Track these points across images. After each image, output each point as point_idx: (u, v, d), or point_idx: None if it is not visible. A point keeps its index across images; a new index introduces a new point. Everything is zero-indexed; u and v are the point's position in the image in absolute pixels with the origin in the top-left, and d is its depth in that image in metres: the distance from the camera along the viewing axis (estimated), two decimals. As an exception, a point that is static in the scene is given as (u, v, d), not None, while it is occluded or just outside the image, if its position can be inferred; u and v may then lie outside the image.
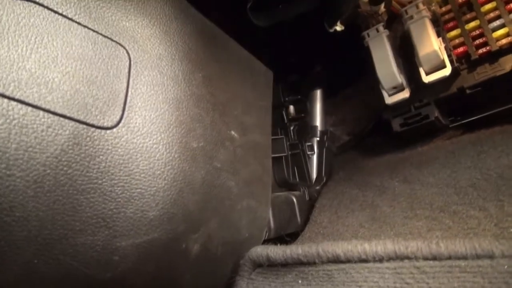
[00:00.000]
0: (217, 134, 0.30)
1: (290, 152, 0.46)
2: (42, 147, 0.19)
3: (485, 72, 0.40)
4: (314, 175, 0.47)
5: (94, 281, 0.22)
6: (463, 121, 0.43)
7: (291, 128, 0.49)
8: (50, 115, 0.20)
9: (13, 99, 0.19)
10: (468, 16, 0.42)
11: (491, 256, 0.20)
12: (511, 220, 0.23)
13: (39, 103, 0.20)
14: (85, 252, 0.21)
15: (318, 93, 0.54)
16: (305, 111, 0.52)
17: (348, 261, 0.23)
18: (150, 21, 0.28)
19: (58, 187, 0.20)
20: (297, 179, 0.44)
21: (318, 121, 0.53)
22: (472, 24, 0.41)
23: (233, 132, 0.33)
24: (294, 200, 0.40)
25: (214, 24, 0.34)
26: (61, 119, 0.21)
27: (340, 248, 0.23)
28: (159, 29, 0.28)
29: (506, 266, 0.20)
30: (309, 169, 0.47)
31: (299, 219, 0.40)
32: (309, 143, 0.50)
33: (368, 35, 0.46)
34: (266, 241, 0.35)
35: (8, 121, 0.18)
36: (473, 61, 0.40)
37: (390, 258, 0.22)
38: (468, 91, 0.41)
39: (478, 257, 0.21)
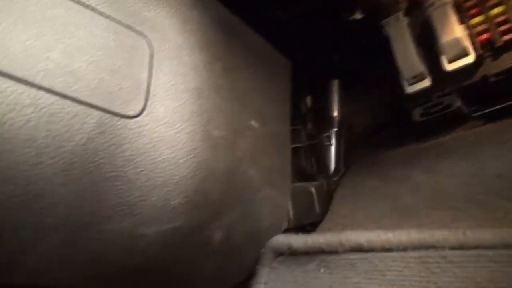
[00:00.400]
0: (237, 124, 0.31)
1: (308, 143, 0.46)
2: (69, 135, 0.20)
3: (510, 59, 0.39)
4: (332, 166, 0.47)
5: (121, 267, 0.22)
6: (486, 111, 0.42)
7: (309, 118, 0.49)
8: (77, 103, 0.20)
9: (42, 88, 0.19)
10: (492, 1, 0.40)
11: (519, 246, 0.20)
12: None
13: (66, 92, 0.20)
14: (112, 239, 0.21)
15: (336, 83, 0.54)
16: (322, 102, 0.51)
17: (371, 250, 0.23)
18: (170, 11, 0.28)
19: (85, 174, 0.20)
20: (315, 170, 0.43)
21: (335, 112, 0.53)
22: (497, 10, 0.40)
23: (253, 122, 0.33)
24: (313, 190, 0.40)
25: (233, 14, 0.34)
26: (87, 107, 0.21)
27: (363, 237, 0.23)
28: (179, 18, 0.28)
29: (536, 256, 0.19)
30: (327, 159, 0.47)
31: (317, 209, 0.39)
32: (327, 134, 0.50)
33: (388, 24, 0.45)
34: (285, 231, 0.35)
35: (37, 109, 0.19)
36: (498, 48, 0.39)
37: (415, 248, 0.22)
38: (492, 79, 0.40)
39: (507, 246, 0.20)
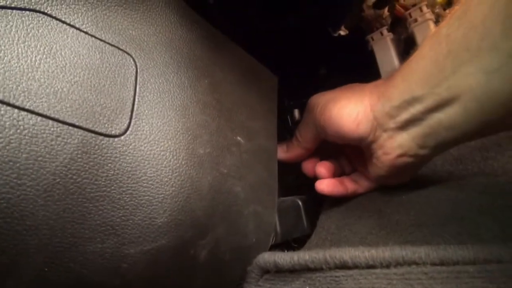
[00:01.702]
0: (223, 140, 0.31)
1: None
2: (51, 156, 0.20)
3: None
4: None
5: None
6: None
7: (296, 132, 0.49)
8: (60, 124, 0.20)
9: (23, 109, 0.19)
10: (473, 18, 0.41)
11: (499, 261, 0.20)
12: (519, 225, 0.23)
13: (49, 112, 0.20)
14: (95, 259, 0.21)
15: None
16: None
17: (355, 267, 0.23)
18: (156, 29, 0.28)
19: (67, 195, 0.20)
20: (303, 183, 0.44)
21: (323, 125, 0.53)
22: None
23: (239, 138, 0.33)
24: (301, 204, 0.40)
25: (218, 31, 0.35)
26: (70, 128, 0.21)
27: (347, 254, 0.23)
28: (164, 36, 0.29)
29: (515, 271, 0.20)
30: (314, 173, 0.47)
31: (305, 223, 0.40)
32: (314, 147, 0.50)
33: (372, 39, 0.46)
34: (273, 246, 0.35)
35: (18, 131, 0.19)
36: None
37: (397, 264, 0.22)
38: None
39: (486, 261, 0.21)
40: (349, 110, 0.33)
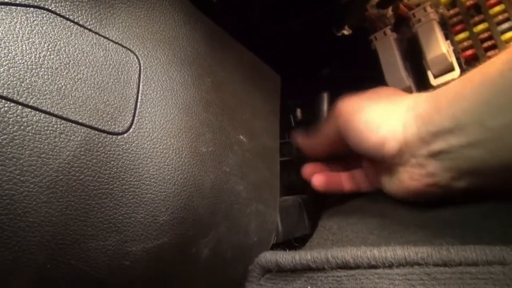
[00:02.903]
0: (226, 139, 0.31)
1: (297, 156, 0.46)
2: (55, 153, 0.20)
3: (494, 75, 0.39)
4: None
5: (105, 286, 0.22)
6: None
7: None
8: (63, 121, 0.20)
9: (27, 105, 0.19)
10: (476, 18, 0.41)
11: (502, 263, 0.20)
12: (522, 226, 0.23)
13: (52, 109, 0.20)
14: (97, 257, 0.21)
15: (326, 96, 0.54)
16: (312, 114, 0.52)
17: (357, 267, 0.23)
18: (159, 27, 0.28)
19: (70, 192, 0.20)
20: (305, 183, 0.44)
21: (325, 124, 0.53)
22: (481, 27, 0.41)
23: (241, 137, 0.33)
24: (302, 203, 0.40)
25: (222, 29, 0.35)
26: (73, 125, 0.21)
27: (349, 254, 0.23)
28: (168, 34, 0.29)
29: (518, 273, 0.19)
30: (316, 172, 0.47)
31: (307, 223, 0.40)
32: (317, 147, 0.50)
33: (376, 38, 0.46)
34: (275, 245, 0.35)
35: (22, 127, 0.19)
36: (482, 64, 0.40)
37: (400, 264, 0.22)
38: (477, 95, 0.40)
39: (489, 263, 0.20)
40: (377, 124, 0.29)
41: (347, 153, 0.39)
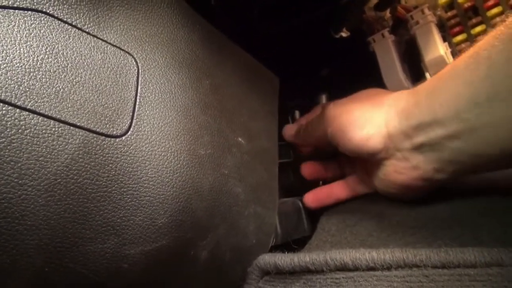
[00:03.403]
0: (224, 141, 0.31)
1: (296, 157, 0.46)
2: (53, 156, 0.20)
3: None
4: (321, 181, 0.47)
5: (103, 289, 0.22)
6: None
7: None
8: (61, 124, 0.20)
9: (25, 109, 0.19)
10: (474, 21, 0.42)
11: (500, 264, 0.20)
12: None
13: (50, 112, 0.20)
14: (95, 260, 0.21)
15: (324, 97, 0.54)
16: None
17: (356, 269, 0.23)
18: (157, 30, 0.28)
19: (68, 195, 0.20)
20: (303, 185, 0.44)
21: (323, 126, 0.53)
22: (478, 29, 0.41)
23: (240, 139, 0.33)
24: (301, 205, 0.40)
25: (220, 32, 0.35)
26: (71, 128, 0.21)
27: (348, 256, 0.23)
28: (166, 37, 0.29)
29: (516, 275, 0.20)
30: (315, 174, 0.47)
31: (306, 224, 0.40)
32: (315, 148, 0.50)
33: (374, 40, 0.46)
34: (273, 248, 0.35)
35: (20, 131, 0.19)
36: (480, 66, 0.40)
37: (398, 266, 0.22)
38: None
39: (487, 265, 0.20)
40: (361, 122, 0.31)
41: (331, 150, 0.40)
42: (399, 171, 0.30)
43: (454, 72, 0.26)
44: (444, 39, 0.43)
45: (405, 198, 0.32)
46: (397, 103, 0.30)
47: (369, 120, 0.31)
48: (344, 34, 0.43)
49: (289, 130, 0.43)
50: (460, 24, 0.43)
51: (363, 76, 0.49)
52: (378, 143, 0.30)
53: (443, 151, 0.26)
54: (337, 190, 0.39)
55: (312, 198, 0.39)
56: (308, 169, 0.42)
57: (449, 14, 0.43)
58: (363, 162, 0.36)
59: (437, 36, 0.42)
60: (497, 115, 0.23)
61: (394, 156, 0.30)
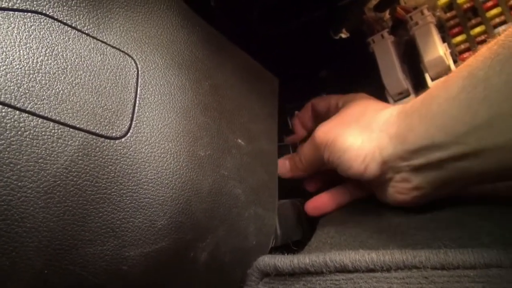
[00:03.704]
0: (224, 142, 0.31)
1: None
2: (52, 158, 0.20)
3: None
4: (320, 182, 0.47)
5: (103, 291, 0.22)
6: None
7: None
8: (60, 126, 0.20)
9: (24, 111, 0.19)
10: (474, 21, 0.42)
11: (499, 265, 0.20)
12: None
13: (50, 114, 0.20)
14: (95, 262, 0.21)
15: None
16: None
17: (355, 270, 0.23)
18: (157, 31, 0.28)
19: (68, 197, 0.20)
20: (303, 186, 0.44)
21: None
22: (478, 30, 0.41)
23: (239, 140, 0.33)
24: (301, 207, 0.40)
25: (220, 33, 0.35)
26: (71, 130, 0.21)
27: (348, 257, 0.23)
28: (166, 38, 0.29)
29: (515, 276, 0.20)
30: (315, 175, 0.47)
31: (305, 226, 0.40)
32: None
33: (373, 41, 0.46)
34: (273, 249, 0.35)
35: (19, 133, 0.19)
36: (479, 66, 0.40)
37: (398, 268, 0.22)
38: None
39: (486, 266, 0.20)
40: (356, 151, 0.30)
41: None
42: (401, 191, 0.30)
43: (448, 94, 0.25)
44: (444, 40, 0.43)
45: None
46: (388, 128, 0.29)
47: (363, 147, 0.30)
48: (343, 35, 0.43)
49: (283, 166, 0.42)
50: (460, 25, 0.43)
51: (363, 77, 0.49)
52: (375, 170, 0.30)
53: (445, 170, 0.26)
54: (336, 197, 0.39)
55: (313, 207, 0.39)
56: (312, 187, 0.43)
57: (449, 15, 0.44)
58: (371, 183, 0.36)
59: (436, 37, 0.42)
60: (499, 137, 0.22)
61: (393, 179, 0.30)
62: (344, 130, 0.32)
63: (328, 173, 0.40)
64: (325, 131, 0.34)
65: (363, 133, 0.31)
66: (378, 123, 0.31)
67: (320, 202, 0.39)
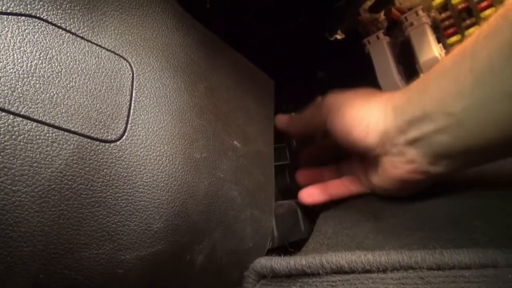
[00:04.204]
0: (220, 145, 0.31)
1: (292, 160, 0.46)
2: (47, 162, 0.20)
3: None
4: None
5: (99, 295, 0.22)
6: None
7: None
8: (55, 130, 0.20)
9: (19, 115, 0.19)
10: (468, 22, 0.42)
11: (495, 265, 0.20)
12: (515, 229, 0.23)
13: (44, 118, 0.20)
14: (90, 266, 0.21)
15: (320, 99, 0.54)
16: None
17: (352, 271, 0.23)
18: (152, 34, 0.28)
19: (63, 201, 0.20)
20: (300, 187, 0.44)
21: (320, 128, 0.53)
22: (472, 30, 0.41)
23: (235, 142, 0.33)
24: (297, 208, 0.40)
25: (215, 35, 0.35)
26: (66, 133, 0.21)
27: (344, 258, 0.23)
28: (161, 41, 0.29)
29: (510, 276, 0.20)
30: (311, 176, 0.47)
31: (302, 227, 0.40)
32: (311, 150, 0.50)
33: (369, 42, 0.47)
34: (270, 251, 0.35)
35: (13, 137, 0.19)
36: (474, 67, 0.40)
37: (394, 269, 0.22)
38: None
39: (482, 266, 0.21)
40: (361, 117, 0.32)
41: (337, 156, 0.41)
42: (396, 165, 0.31)
43: (442, 68, 0.27)
44: (439, 40, 0.43)
45: (402, 194, 0.33)
46: (393, 100, 0.31)
47: (367, 115, 0.32)
48: (339, 36, 0.43)
49: (282, 117, 0.44)
50: (454, 26, 0.43)
51: (359, 78, 0.49)
52: (375, 138, 0.31)
53: (434, 145, 0.27)
54: (331, 188, 0.39)
55: (306, 193, 0.39)
56: (303, 177, 0.43)
57: (443, 15, 0.44)
58: (361, 160, 0.37)
59: (431, 38, 0.42)
60: (481, 109, 0.24)
61: (390, 152, 0.31)
62: (353, 100, 0.34)
63: (323, 172, 0.41)
64: (335, 97, 0.36)
65: (372, 103, 0.32)
66: (386, 95, 0.32)
67: (314, 190, 0.39)
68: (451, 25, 0.43)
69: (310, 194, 0.39)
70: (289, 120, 0.43)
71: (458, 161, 0.28)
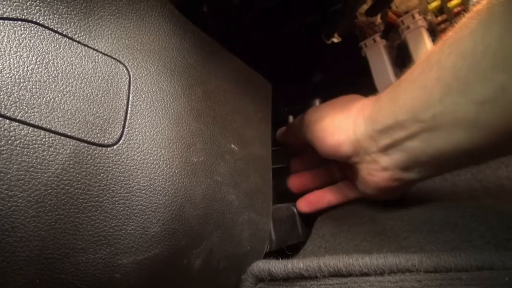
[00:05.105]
0: (217, 148, 0.31)
1: (290, 163, 0.46)
2: (43, 167, 0.20)
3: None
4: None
5: (95, 300, 0.22)
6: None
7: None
8: (51, 134, 0.20)
9: (15, 119, 0.19)
10: (464, 25, 0.42)
11: (491, 268, 0.20)
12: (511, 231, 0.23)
13: (40, 122, 0.20)
14: (87, 270, 0.21)
15: (317, 102, 0.55)
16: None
17: (349, 274, 0.23)
18: (149, 38, 0.28)
19: (59, 206, 0.20)
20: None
21: (317, 131, 0.53)
22: (468, 33, 0.41)
23: (233, 145, 0.33)
24: (295, 211, 0.40)
25: (212, 39, 0.35)
26: (62, 138, 0.21)
27: (342, 262, 0.23)
28: (158, 45, 0.29)
29: (507, 278, 0.20)
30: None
31: (300, 230, 0.40)
32: (309, 153, 0.50)
33: (366, 45, 0.47)
34: (268, 254, 0.35)
35: (10, 142, 0.19)
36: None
37: (391, 272, 0.22)
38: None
39: (478, 269, 0.21)
40: (332, 129, 0.33)
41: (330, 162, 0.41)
42: (371, 173, 0.32)
43: (411, 76, 0.28)
44: (435, 43, 0.43)
45: (382, 198, 0.34)
46: (364, 110, 0.32)
47: (338, 127, 0.33)
48: (335, 39, 0.43)
49: (280, 131, 0.46)
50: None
51: (356, 81, 0.49)
52: (349, 147, 0.32)
53: (406, 152, 0.28)
54: (328, 195, 0.40)
55: (305, 202, 0.40)
56: (294, 183, 0.43)
57: (439, 18, 0.44)
58: (349, 167, 0.38)
59: (427, 41, 0.42)
60: (450, 115, 0.24)
61: (365, 160, 0.32)
62: (328, 112, 0.35)
63: (314, 176, 0.42)
64: (314, 110, 0.38)
65: (343, 116, 0.34)
66: (357, 107, 0.33)
67: (313, 197, 0.40)
68: (447, 29, 0.43)
69: (308, 203, 0.40)
70: (284, 132, 0.45)
71: (430, 167, 0.28)
